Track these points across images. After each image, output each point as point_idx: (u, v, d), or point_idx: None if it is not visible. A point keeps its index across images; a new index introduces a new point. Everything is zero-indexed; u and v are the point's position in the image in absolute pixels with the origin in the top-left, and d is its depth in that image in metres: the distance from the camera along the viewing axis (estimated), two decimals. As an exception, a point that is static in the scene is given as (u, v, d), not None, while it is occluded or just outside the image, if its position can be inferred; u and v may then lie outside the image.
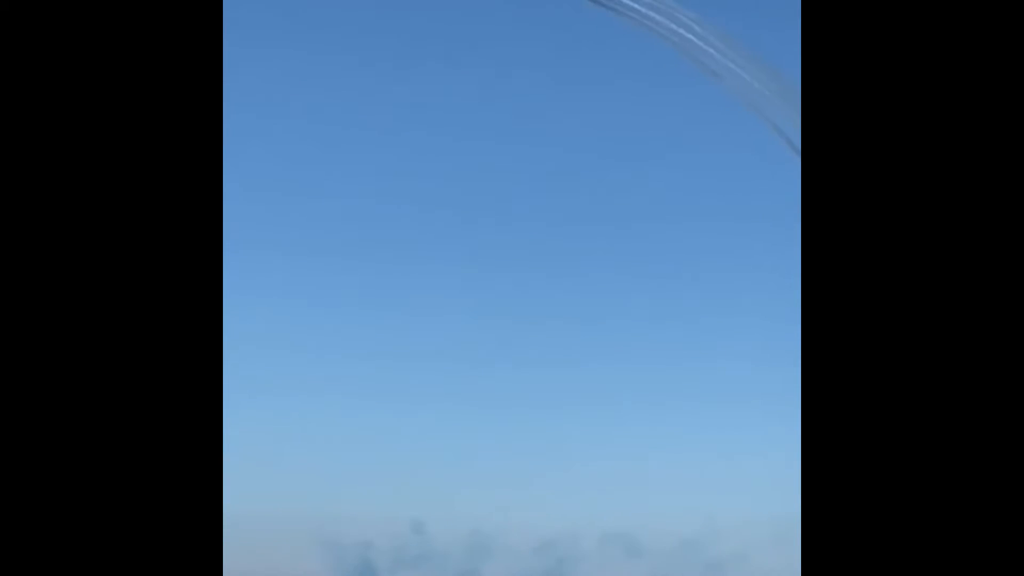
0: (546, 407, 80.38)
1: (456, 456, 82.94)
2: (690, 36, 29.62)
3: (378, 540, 74.52)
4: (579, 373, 79.76)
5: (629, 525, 71.96)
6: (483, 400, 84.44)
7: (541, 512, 76.31)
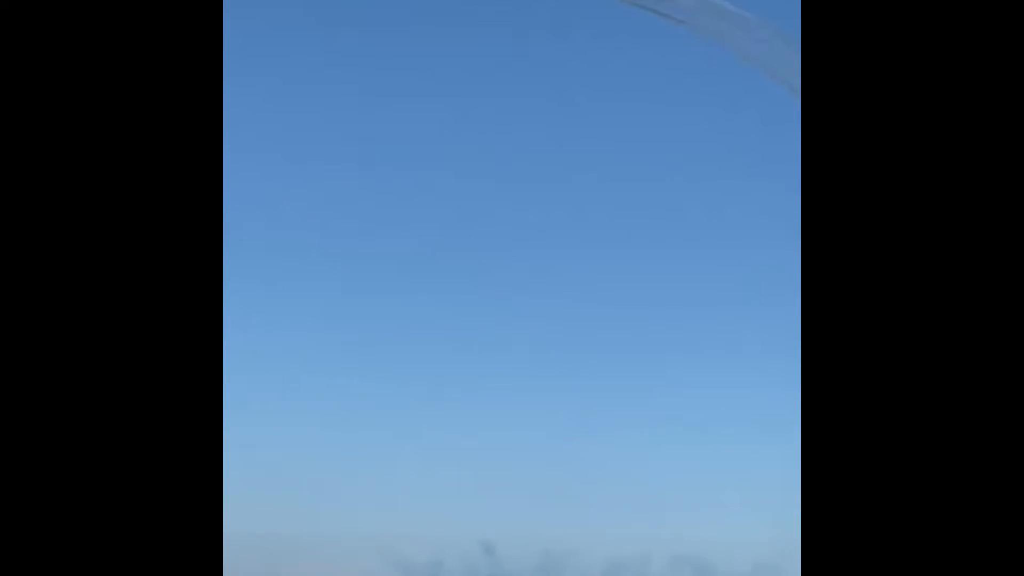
0: (618, 427, 79.86)
1: (527, 476, 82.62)
2: None
3: (448, 561, 74.33)
4: (652, 393, 79.13)
5: (701, 547, 71.19)
6: (554, 420, 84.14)
7: (612, 533, 75.74)
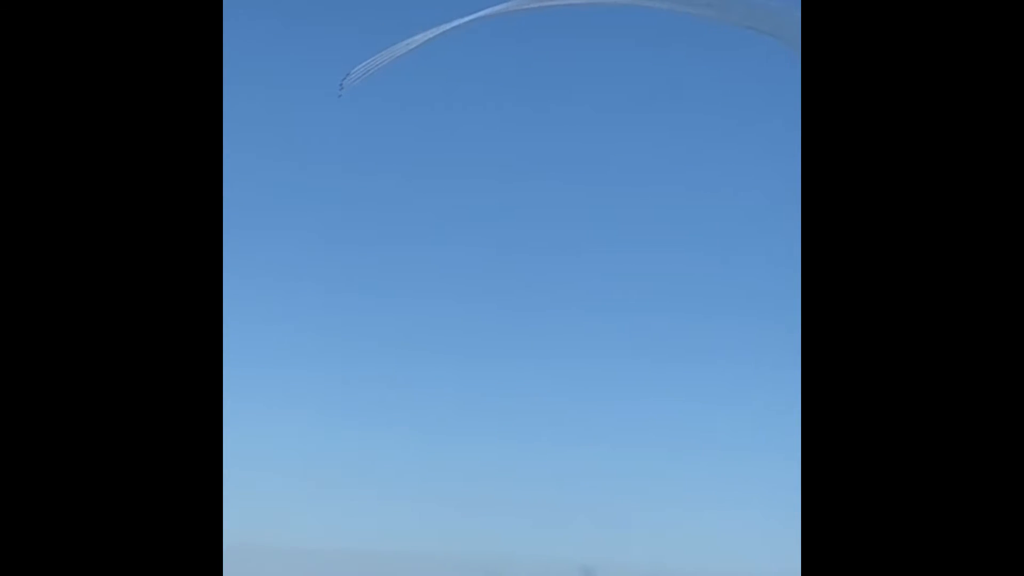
0: (725, 447, 78.92)
1: (628, 498, 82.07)
2: None
3: (551, 584, 73.90)
4: (750, 411, 78.14)
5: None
6: (658, 438, 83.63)
7: (716, 556, 74.82)
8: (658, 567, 74.86)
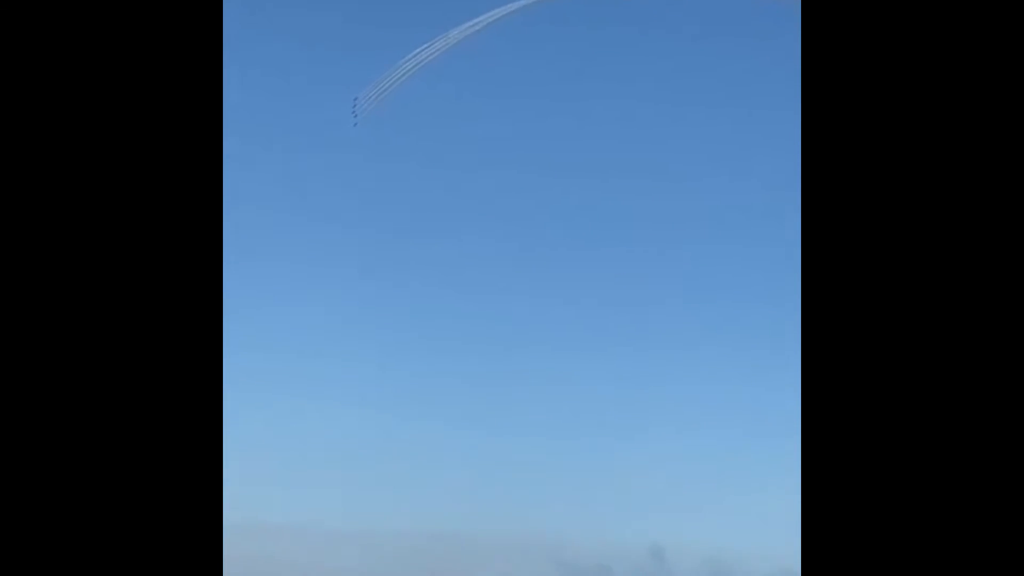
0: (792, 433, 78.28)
1: (696, 481, 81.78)
2: None
3: (616, 565, 73.94)
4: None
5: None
6: (737, 424, 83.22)
7: (780, 539, 74.31)
8: (724, 549, 74.60)
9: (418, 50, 29.89)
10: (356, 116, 30.76)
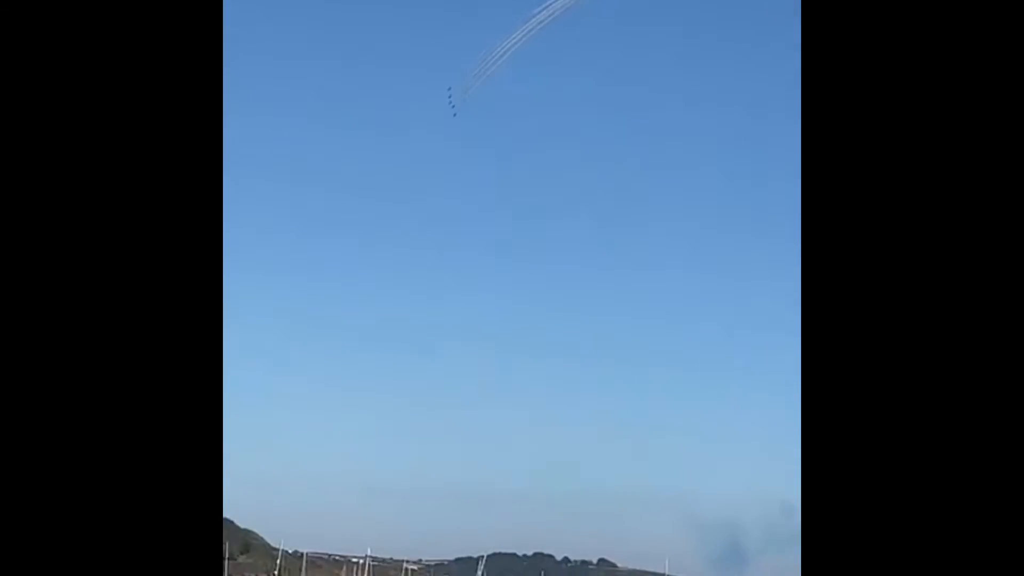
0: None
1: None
2: None
3: (746, 521, 73.98)
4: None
5: None
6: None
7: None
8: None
9: (507, 38, 29.49)
10: (454, 106, 30.73)
